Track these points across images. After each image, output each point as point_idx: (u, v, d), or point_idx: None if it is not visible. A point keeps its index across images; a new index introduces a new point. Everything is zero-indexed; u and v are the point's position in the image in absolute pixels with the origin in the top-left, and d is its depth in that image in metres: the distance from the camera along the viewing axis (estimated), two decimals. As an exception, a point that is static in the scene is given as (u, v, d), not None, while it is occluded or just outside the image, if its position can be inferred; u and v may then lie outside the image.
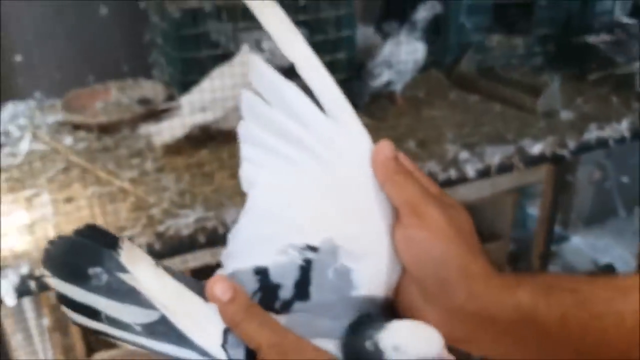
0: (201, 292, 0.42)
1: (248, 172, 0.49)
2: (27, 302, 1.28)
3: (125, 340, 0.40)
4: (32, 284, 0.93)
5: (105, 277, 0.39)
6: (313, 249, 0.44)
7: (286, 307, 0.42)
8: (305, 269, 0.43)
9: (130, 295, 0.40)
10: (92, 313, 0.39)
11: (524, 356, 0.48)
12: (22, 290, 0.93)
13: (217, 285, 0.42)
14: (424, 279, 0.47)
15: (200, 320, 0.41)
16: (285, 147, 0.47)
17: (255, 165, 0.48)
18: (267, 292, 0.42)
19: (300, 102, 0.46)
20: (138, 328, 0.40)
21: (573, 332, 0.45)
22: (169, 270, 0.43)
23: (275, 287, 0.42)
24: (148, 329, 0.40)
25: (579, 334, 0.45)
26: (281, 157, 0.47)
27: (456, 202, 0.49)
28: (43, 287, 0.94)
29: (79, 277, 0.39)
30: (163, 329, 0.40)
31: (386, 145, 0.48)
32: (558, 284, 0.47)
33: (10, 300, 0.93)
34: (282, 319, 0.42)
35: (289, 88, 0.46)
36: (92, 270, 0.39)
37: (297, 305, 0.42)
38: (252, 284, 0.42)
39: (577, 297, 0.46)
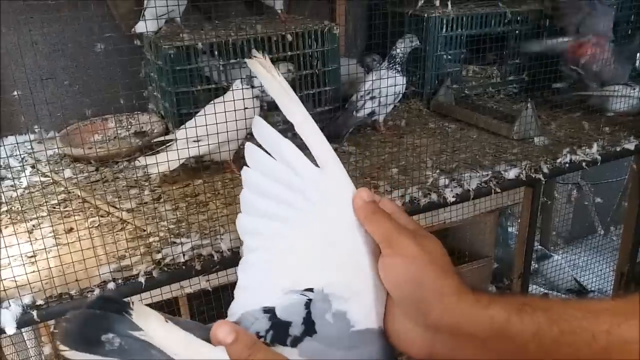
0: (208, 335, 0.47)
1: (245, 222, 0.56)
2: (27, 331, 1.32)
3: None
4: (34, 314, 0.96)
5: (117, 341, 0.44)
6: (312, 291, 0.51)
7: (296, 342, 0.48)
8: (309, 308, 0.50)
9: (144, 350, 0.44)
10: None
11: None
12: (24, 321, 0.95)
13: (220, 329, 0.47)
14: (403, 300, 0.54)
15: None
16: (282, 191, 0.54)
17: (254, 215, 0.55)
18: (278, 329, 0.48)
19: (295, 155, 0.54)
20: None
21: (546, 347, 0.49)
22: (176, 321, 0.48)
23: (286, 325, 0.48)
24: None
25: (552, 348, 0.48)
26: (279, 202, 0.54)
27: (429, 234, 0.56)
28: (44, 317, 0.98)
29: (93, 345, 0.44)
30: None
31: (364, 191, 0.56)
32: (531, 303, 0.51)
33: (11, 329, 0.95)
34: (294, 351, 0.48)
35: (286, 143, 0.54)
36: (104, 337, 0.44)
37: (307, 339, 0.48)
38: (263, 322, 0.49)
39: (550, 315, 0.49)
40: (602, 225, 2.98)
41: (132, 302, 0.46)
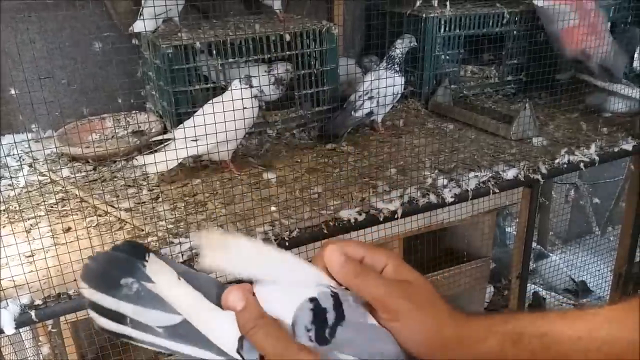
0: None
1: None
2: (25, 331, 1.31)
3: (147, 343, 0.46)
4: (33, 314, 0.96)
5: (135, 286, 0.45)
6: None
7: (333, 333, 0.48)
8: (335, 294, 0.49)
9: (155, 301, 0.45)
10: (118, 318, 0.45)
11: None
12: (22, 321, 0.95)
13: (231, 294, 0.47)
14: (416, 352, 0.55)
15: (218, 326, 0.47)
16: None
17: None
18: (318, 318, 0.48)
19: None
20: (160, 330, 0.45)
21: None
22: (193, 276, 0.48)
23: (324, 312, 0.48)
24: (170, 332, 0.45)
25: None
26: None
27: (412, 272, 0.56)
28: (43, 317, 0.98)
29: (112, 287, 0.45)
30: (184, 331, 0.45)
31: (334, 253, 0.53)
32: (527, 331, 0.54)
33: (9, 329, 0.95)
34: (331, 347, 0.47)
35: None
36: (124, 281, 0.45)
37: (339, 329, 0.48)
38: (306, 314, 0.48)
39: (545, 341, 0.52)
40: (599, 226, 2.99)
41: (149, 254, 0.47)
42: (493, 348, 0.53)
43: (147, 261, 0.46)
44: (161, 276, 0.46)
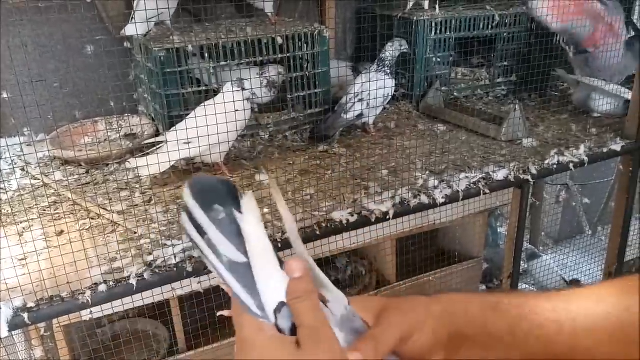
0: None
1: None
2: (17, 334, 1.31)
3: (209, 261, 0.51)
4: (25, 317, 0.96)
5: (222, 215, 0.50)
6: None
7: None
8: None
9: (234, 237, 0.50)
10: (200, 230, 0.50)
11: (488, 357, 0.58)
12: (15, 323, 0.96)
13: (293, 263, 0.51)
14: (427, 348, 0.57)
15: (272, 283, 0.50)
16: None
17: None
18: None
19: None
20: (225, 260, 0.50)
21: (520, 339, 0.55)
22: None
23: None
24: (231, 265, 0.50)
25: (525, 340, 0.55)
26: None
27: (368, 298, 0.63)
28: (36, 319, 0.98)
29: (206, 205, 0.50)
30: (242, 271, 0.50)
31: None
32: (504, 301, 0.58)
33: (3, 332, 0.95)
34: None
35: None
36: (216, 206, 0.50)
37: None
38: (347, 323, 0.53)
39: (521, 311, 0.56)
40: (589, 226, 3.01)
41: (246, 193, 0.52)
42: (476, 315, 0.57)
43: (243, 196, 0.52)
44: (250, 213, 0.51)
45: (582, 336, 0.53)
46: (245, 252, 0.50)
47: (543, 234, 2.96)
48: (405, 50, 1.65)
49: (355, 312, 0.55)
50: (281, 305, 0.50)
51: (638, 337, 0.49)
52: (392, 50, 1.62)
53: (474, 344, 0.58)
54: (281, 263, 0.52)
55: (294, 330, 0.49)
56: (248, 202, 0.51)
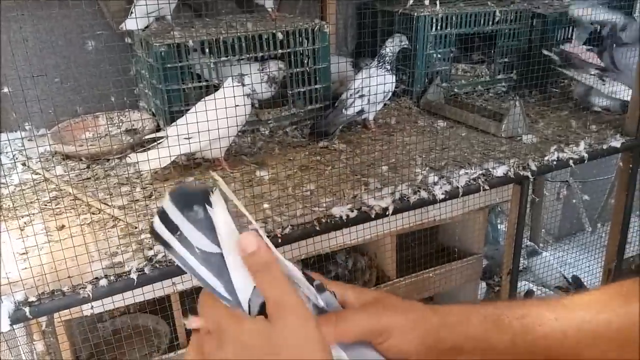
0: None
1: None
2: (18, 327, 1.32)
3: (179, 256, 0.52)
4: (27, 311, 0.97)
5: (201, 214, 0.52)
6: None
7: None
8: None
9: (207, 229, 0.52)
10: (172, 229, 0.52)
11: None
12: (16, 317, 0.96)
13: (245, 239, 0.49)
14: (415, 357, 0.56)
15: (243, 270, 0.51)
16: None
17: None
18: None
19: None
20: (198, 252, 0.51)
21: (522, 352, 0.55)
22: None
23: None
24: (205, 256, 0.51)
25: (529, 352, 0.55)
26: None
27: (371, 290, 0.59)
28: (37, 313, 0.98)
29: (186, 207, 0.52)
30: (215, 261, 0.51)
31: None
32: (506, 313, 0.57)
33: (4, 326, 0.96)
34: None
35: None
36: (196, 207, 0.52)
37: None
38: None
39: (524, 322, 0.55)
40: (590, 223, 3.01)
41: (217, 188, 0.53)
42: (477, 329, 0.55)
43: (213, 191, 0.53)
44: (218, 204, 0.52)
45: (585, 345, 0.52)
46: (219, 244, 0.51)
47: (543, 230, 2.97)
48: (405, 46, 1.65)
49: (333, 297, 0.55)
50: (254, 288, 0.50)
51: (638, 342, 0.49)
52: (392, 46, 1.62)
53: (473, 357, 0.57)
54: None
55: (263, 307, 0.49)
56: (216, 195, 0.52)
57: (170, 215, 0.52)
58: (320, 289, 0.54)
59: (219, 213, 0.52)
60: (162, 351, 1.65)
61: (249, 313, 0.50)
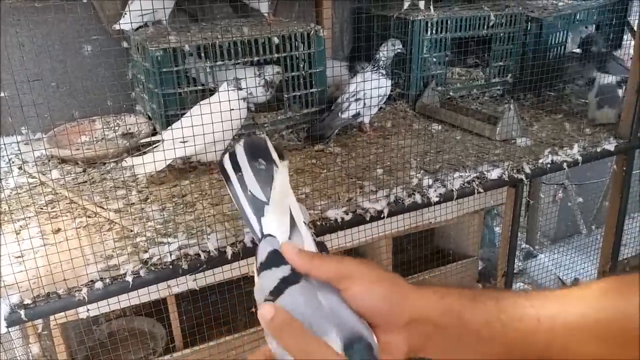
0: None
1: None
2: (14, 330, 1.32)
3: (234, 188, 0.65)
4: (22, 313, 0.97)
5: (263, 167, 0.64)
6: None
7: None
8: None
9: (262, 183, 0.64)
10: (236, 167, 0.65)
11: (466, 355, 0.58)
12: (12, 320, 0.96)
13: (263, 308, 0.55)
14: (377, 315, 0.58)
15: (276, 222, 0.63)
16: None
17: None
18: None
19: None
20: (249, 194, 0.64)
21: (497, 332, 0.55)
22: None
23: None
24: (253, 199, 0.64)
25: (503, 333, 0.55)
26: None
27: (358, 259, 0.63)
28: (32, 316, 0.99)
29: (252, 157, 0.65)
30: (259, 205, 0.63)
31: (289, 246, 0.62)
32: (483, 294, 0.58)
33: (1, 328, 0.96)
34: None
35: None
36: (261, 160, 0.65)
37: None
38: None
39: (500, 304, 0.56)
40: (585, 225, 3.02)
41: (284, 163, 0.64)
42: (454, 304, 0.57)
43: (283, 160, 0.65)
44: (284, 171, 0.64)
45: (559, 334, 0.53)
46: (269, 195, 0.63)
47: (539, 233, 2.98)
48: (399, 51, 1.67)
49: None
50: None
51: (612, 337, 0.49)
52: (385, 50, 1.63)
53: (446, 337, 0.57)
54: (292, 223, 0.64)
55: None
56: (283, 164, 0.64)
57: (238, 158, 0.64)
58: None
59: (281, 176, 0.63)
60: (158, 354, 1.65)
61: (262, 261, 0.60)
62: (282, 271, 0.58)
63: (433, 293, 0.58)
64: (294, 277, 0.58)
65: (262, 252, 0.61)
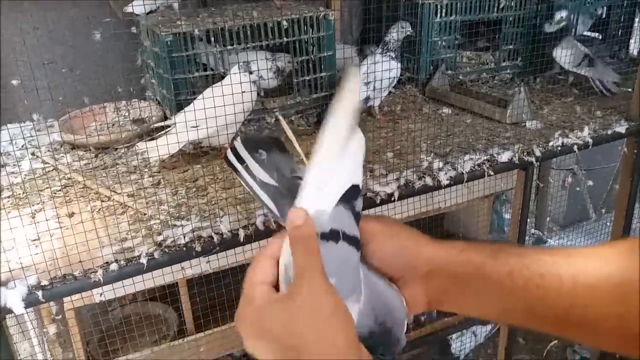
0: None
1: None
2: (29, 312, 1.34)
3: (245, 180, 0.69)
4: (40, 294, 0.99)
5: (264, 156, 0.69)
6: None
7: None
8: None
9: (267, 169, 0.68)
10: (241, 161, 0.70)
11: (485, 310, 0.58)
12: (29, 301, 0.98)
13: (292, 213, 0.55)
14: (395, 268, 0.58)
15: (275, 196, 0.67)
16: None
17: None
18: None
19: None
20: (258, 180, 0.68)
21: (519, 286, 0.54)
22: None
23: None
24: (263, 184, 0.67)
25: (525, 288, 0.54)
26: None
27: (375, 217, 0.65)
28: (49, 297, 1.00)
29: (253, 149, 0.69)
30: (270, 190, 0.67)
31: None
32: (503, 249, 0.57)
33: (18, 309, 0.98)
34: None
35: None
36: (261, 150, 0.69)
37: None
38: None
39: (522, 260, 0.55)
40: (595, 211, 3.01)
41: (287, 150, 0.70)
42: (474, 257, 0.56)
43: (287, 151, 0.71)
44: (286, 157, 0.70)
45: (581, 294, 0.51)
46: (275, 179, 0.67)
47: (548, 218, 2.97)
48: (409, 33, 1.66)
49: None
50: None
51: (635, 298, 0.48)
52: (395, 32, 1.62)
53: (465, 289, 0.56)
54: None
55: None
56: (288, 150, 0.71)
57: (239, 151, 0.69)
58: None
59: (286, 161, 0.69)
60: (170, 338, 1.68)
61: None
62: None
63: (452, 246, 0.58)
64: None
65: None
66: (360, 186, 0.61)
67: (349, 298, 0.54)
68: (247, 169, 0.68)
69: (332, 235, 0.56)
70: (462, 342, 2.48)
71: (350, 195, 0.58)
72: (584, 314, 0.51)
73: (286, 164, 0.69)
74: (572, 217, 3.03)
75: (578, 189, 2.94)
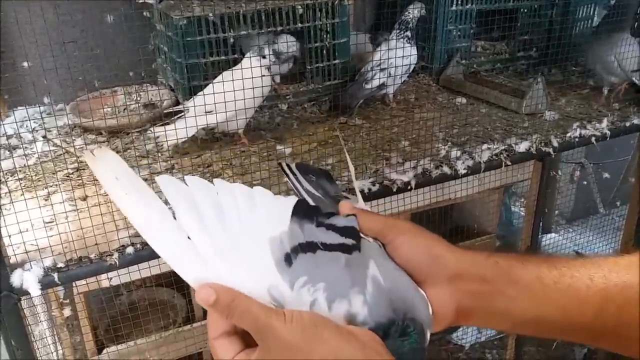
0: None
1: None
2: (39, 295, 1.33)
3: (295, 186, 0.75)
4: (55, 276, 0.97)
5: (313, 180, 0.76)
6: None
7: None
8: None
9: (314, 187, 0.74)
10: (294, 175, 0.77)
11: (517, 316, 0.56)
12: (46, 283, 0.97)
13: (200, 293, 0.53)
14: (421, 266, 0.56)
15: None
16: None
17: None
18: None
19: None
20: (306, 190, 0.73)
21: (550, 289, 0.53)
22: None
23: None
24: (309, 194, 0.73)
25: (556, 290, 0.53)
26: None
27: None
28: (65, 279, 0.99)
29: (303, 174, 0.77)
30: (314, 197, 0.72)
31: (347, 204, 0.64)
32: (530, 256, 0.57)
33: (35, 291, 0.97)
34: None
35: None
36: (311, 175, 0.77)
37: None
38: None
39: (551, 263, 0.55)
40: (604, 205, 3.00)
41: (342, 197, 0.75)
42: (501, 262, 0.55)
43: (335, 182, 0.79)
44: (334, 185, 0.78)
45: (613, 295, 0.50)
46: (320, 194, 0.73)
47: (557, 212, 2.96)
48: (423, 13, 1.63)
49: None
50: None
51: None
52: (416, 10, 1.60)
53: (495, 296, 0.54)
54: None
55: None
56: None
57: (294, 170, 0.78)
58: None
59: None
60: (178, 324, 1.67)
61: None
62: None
63: (478, 252, 0.57)
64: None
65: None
66: (307, 197, 0.71)
67: (349, 292, 0.52)
68: (297, 179, 0.76)
69: (306, 247, 0.56)
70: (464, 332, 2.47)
71: (302, 211, 0.62)
72: (618, 316, 0.50)
73: (332, 189, 0.76)
74: (580, 211, 3.02)
75: (585, 182, 2.92)
